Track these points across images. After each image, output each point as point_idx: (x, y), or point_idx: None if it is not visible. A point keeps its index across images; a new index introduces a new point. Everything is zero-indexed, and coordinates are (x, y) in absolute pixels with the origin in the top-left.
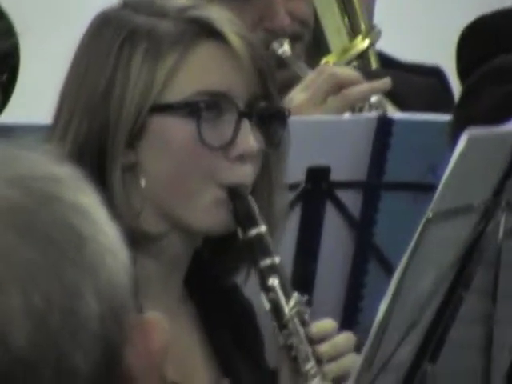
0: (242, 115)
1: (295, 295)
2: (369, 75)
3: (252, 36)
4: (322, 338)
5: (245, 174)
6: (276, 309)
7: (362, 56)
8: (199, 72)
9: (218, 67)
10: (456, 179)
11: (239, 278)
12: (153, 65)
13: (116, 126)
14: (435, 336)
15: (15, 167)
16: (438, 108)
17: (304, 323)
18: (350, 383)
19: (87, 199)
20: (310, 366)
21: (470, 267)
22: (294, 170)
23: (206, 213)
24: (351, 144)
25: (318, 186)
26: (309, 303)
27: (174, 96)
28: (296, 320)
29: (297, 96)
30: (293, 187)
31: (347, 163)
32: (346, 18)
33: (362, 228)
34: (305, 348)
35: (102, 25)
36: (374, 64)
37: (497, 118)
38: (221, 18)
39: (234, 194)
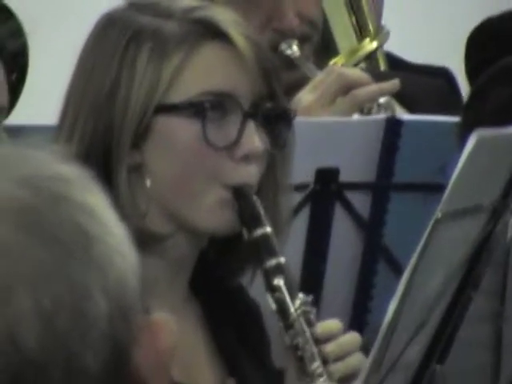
0: (246, 115)
1: (301, 295)
2: (377, 76)
3: (257, 37)
4: (328, 338)
5: (250, 174)
6: (282, 309)
7: (371, 57)
8: (204, 72)
9: (223, 67)
10: (465, 180)
11: (245, 280)
12: (158, 65)
13: (121, 126)
14: (444, 336)
15: (24, 167)
16: (447, 109)
17: (310, 323)
18: (358, 383)
19: (95, 199)
20: (316, 365)
21: (478, 267)
22: (303, 171)
23: (211, 213)
24: (360, 145)
25: (327, 188)
26: (315, 303)
27: (179, 96)
28: (302, 320)
29: (305, 97)
30: (302, 188)
31: (356, 164)
32: (355, 20)
33: (371, 229)
34: (311, 348)
35: (108, 25)
36: (383, 65)
37: (505, 119)
38: (226, 18)
39: (239, 194)
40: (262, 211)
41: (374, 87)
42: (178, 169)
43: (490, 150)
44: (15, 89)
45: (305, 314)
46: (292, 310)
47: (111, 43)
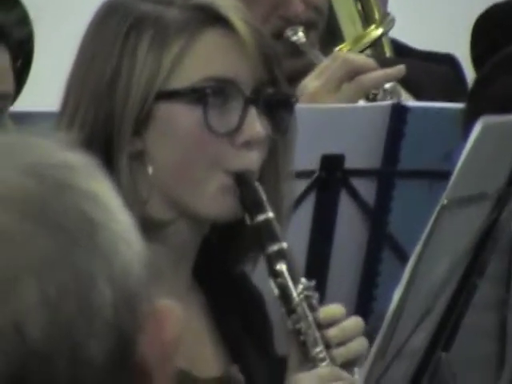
0: (248, 102)
1: (303, 280)
2: (383, 63)
3: (257, 23)
4: (331, 323)
5: (251, 160)
6: (284, 294)
7: (376, 44)
8: (205, 58)
9: (224, 54)
10: (470, 167)
11: (248, 268)
12: (159, 52)
13: (122, 113)
14: (449, 323)
15: (28, 155)
16: (452, 96)
17: (312, 308)
18: (363, 370)
19: (100, 186)
20: (319, 350)
21: (483, 255)
22: (309, 158)
23: (213, 200)
24: (365, 132)
25: (333, 174)
26: (318, 289)
27: (181, 82)
28: (304, 305)
29: (311, 83)
30: (307, 175)
31: (361, 151)
32: (360, 6)
33: (377, 216)
34: (313, 333)
35: (108, 13)
36: (388, 52)
37: (510, 107)
38: (226, 4)
39: (241, 180)
40: (263, 197)
41: (380, 73)
42: (180, 155)
43: (495, 138)
44: (20, 76)
45: (307, 298)
46: (294, 294)
47: (112, 31)
